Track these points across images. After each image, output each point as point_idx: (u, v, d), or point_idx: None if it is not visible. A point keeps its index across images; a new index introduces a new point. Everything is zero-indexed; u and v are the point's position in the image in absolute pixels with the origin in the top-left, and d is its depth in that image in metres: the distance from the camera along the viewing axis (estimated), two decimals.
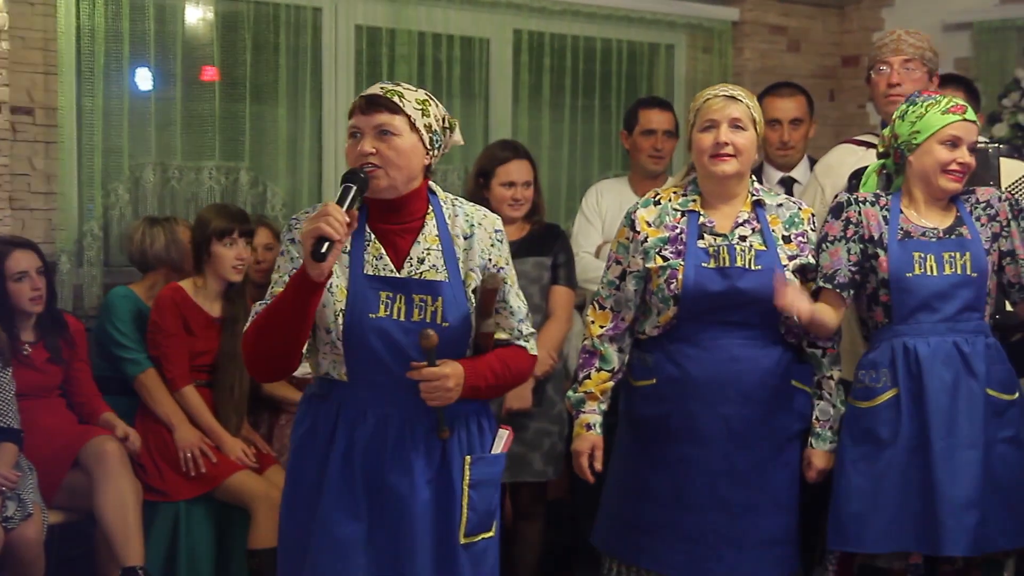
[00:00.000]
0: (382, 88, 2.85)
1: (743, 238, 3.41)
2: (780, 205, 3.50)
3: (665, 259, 3.41)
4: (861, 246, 3.49)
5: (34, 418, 4.28)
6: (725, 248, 3.38)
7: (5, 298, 4.28)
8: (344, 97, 5.50)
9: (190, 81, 5.22)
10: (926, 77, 4.17)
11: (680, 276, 3.36)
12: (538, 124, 6.04)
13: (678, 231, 3.43)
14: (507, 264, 2.97)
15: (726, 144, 3.38)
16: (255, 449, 4.55)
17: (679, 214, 3.45)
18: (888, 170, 3.64)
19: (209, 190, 5.24)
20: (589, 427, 3.50)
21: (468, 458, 2.89)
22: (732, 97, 3.41)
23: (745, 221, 3.45)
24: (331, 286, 2.82)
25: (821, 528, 3.68)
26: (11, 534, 3.92)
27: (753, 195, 3.49)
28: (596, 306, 3.55)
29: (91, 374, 4.53)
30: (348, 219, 2.67)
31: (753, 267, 3.36)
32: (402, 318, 2.81)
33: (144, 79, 5.12)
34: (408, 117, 2.82)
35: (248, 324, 2.83)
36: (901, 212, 3.52)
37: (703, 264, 3.36)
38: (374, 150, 2.79)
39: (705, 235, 3.42)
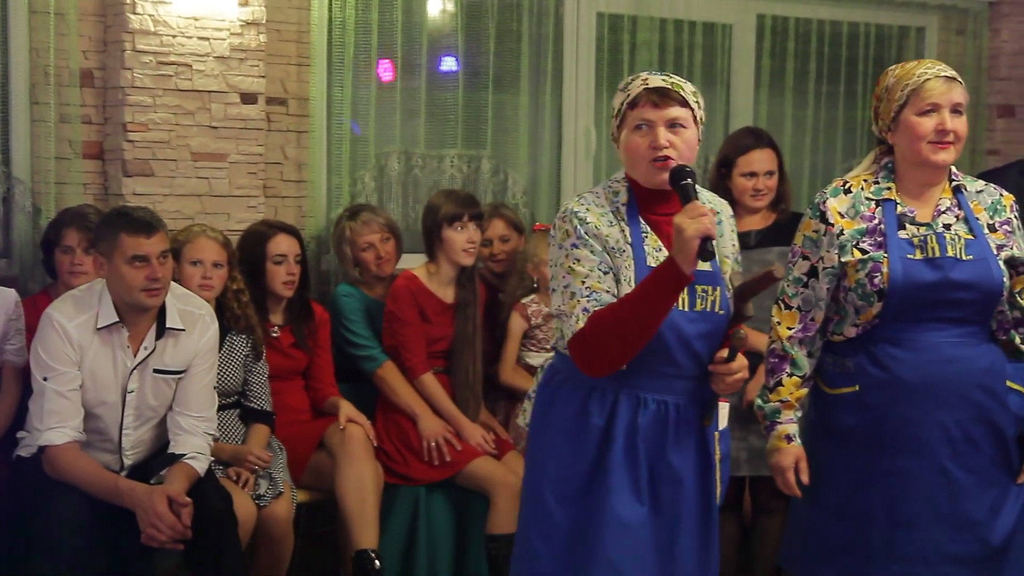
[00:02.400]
0: (666, 80, 2.90)
1: (947, 226, 3.17)
2: (980, 191, 3.26)
3: (864, 252, 3.17)
4: None
5: (280, 400, 4.42)
6: (933, 237, 3.14)
7: (262, 278, 4.42)
8: (585, 85, 5.49)
9: (434, 70, 5.29)
10: None
11: (885, 269, 3.12)
12: (780, 111, 5.91)
13: (876, 222, 3.19)
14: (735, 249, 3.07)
15: (950, 132, 3.14)
16: (494, 435, 4.57)
17: (873, 203, 3.21)
18: None
19: (451, 178, 5.31)
20: (789, 439, 3.28)
21: (717, 434, 3.01)
22: (952, 79, 3.16)
23: (947, 209, 3.20)
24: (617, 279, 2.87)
25: None
26: (263, 511, 4.05)
27: (953, 180, 3.25)
28: (781, 305, 3.29)
29: (332, 362, 4.62)
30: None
31: (964, 257, 3.13)
32: (685, 308, 2.86)
33: (390, 69, 5.22)
34: (693, 110, 2.89)
35: (579, 323, 2.81)
36: None
37: (908, 256, 3.13)
38: (669, 143, 2.84)
39: (907, 224, 3.18)
